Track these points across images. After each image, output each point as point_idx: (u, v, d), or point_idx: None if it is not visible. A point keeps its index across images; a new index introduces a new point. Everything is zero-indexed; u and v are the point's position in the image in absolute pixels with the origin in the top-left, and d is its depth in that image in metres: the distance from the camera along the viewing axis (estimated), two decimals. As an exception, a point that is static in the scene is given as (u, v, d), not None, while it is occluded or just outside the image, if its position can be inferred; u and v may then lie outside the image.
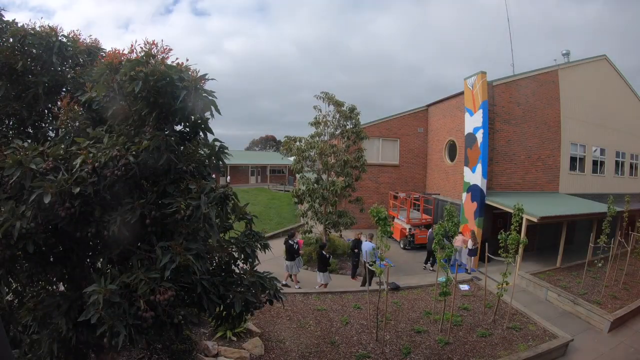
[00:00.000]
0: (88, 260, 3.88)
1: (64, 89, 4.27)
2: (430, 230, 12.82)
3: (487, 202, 12.88)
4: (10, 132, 4.14)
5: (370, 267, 8.99)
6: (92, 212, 3.13)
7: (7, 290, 3.99)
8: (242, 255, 3.97)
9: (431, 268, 12.52)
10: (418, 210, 16.54)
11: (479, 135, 13.00)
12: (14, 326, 3.86)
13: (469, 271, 12.32)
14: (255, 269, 4.01)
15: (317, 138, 13.01)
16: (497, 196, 13.14)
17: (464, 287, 10.43)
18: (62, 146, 3.26)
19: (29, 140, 3.53)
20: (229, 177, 33.01)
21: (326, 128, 13.18)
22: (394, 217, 16.43)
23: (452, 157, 16.96)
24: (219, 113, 3.42)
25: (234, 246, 3.96)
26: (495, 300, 8.62)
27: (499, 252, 8.32)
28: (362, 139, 13.24)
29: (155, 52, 3.27)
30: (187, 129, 3.60)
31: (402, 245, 15.47)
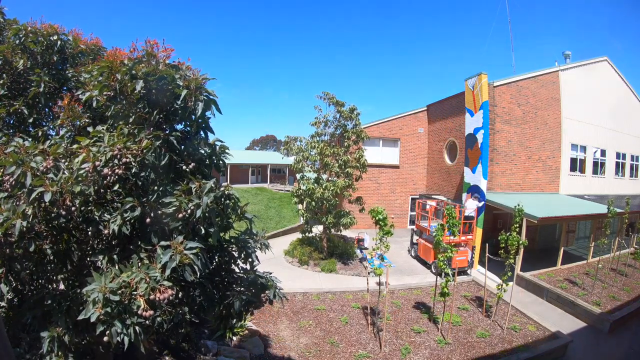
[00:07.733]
0: (88, 259, 3.88)
1: (65, 88, 4.27)
2: None
3: (488, 202, 12.89)
4: (11, 131, 4.14)
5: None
6: (92, 210, 3.13)
7: (7, 288, 3.99)
8: (242, 255, 3.97)
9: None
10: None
11: (480, 136, 13.00)
12: (14, 325, 3.86)
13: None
14: (255, 268, 4.01)
15: (318, 138, 13.03)
16: (497, 197, 13.15)
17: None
18: (63, 145, 3.26)
19: (30, 139, 3.53)
20: (228, 177, 32.98)
21: (327, 128, 13.20)
22: (421, 232, 13.27)
23: (452, 157, 16.95)
24: (220, 113, 3.42)
25: (234, 246, 3.95)
26: (494, 301, 8.63)
27: (499, 252, 8.32)
28: (362, 139, 13.26)
29: (156, 51, 3.28)
30: (188, 128, 3.60)
31: (433, 269, 11.56)
